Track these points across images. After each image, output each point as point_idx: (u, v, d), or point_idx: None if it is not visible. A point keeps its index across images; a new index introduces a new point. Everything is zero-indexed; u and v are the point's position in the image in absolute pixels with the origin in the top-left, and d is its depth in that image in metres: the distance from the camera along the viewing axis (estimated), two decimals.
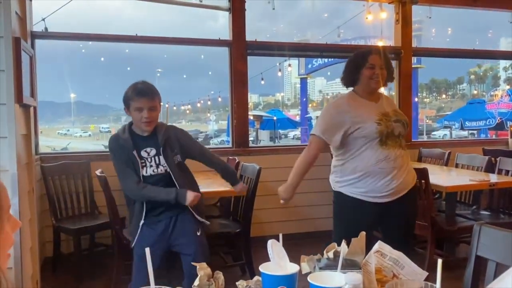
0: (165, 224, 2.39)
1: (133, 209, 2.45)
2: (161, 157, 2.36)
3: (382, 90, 2.56)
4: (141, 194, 2.34)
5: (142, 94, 2.28)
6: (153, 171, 2.36)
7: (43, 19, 3.97)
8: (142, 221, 2.38)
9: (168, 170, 2.35)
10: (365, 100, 2.39)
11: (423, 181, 3.15)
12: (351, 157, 2.35)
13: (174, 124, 2.59)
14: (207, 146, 3.57)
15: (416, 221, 2.67)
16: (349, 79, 2.43)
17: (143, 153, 2.36)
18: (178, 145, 2.42)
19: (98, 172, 3.08)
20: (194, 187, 2.49)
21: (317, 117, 2.96)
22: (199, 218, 2.44)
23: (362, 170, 2.31)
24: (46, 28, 3.99)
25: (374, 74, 2.33)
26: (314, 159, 2.40)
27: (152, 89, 2.34)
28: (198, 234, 2.41)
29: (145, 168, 2.35)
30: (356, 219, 2.36)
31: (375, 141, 2.29)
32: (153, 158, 2.36)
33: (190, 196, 2.30)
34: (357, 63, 2.38)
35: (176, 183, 2.35)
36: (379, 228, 2.49)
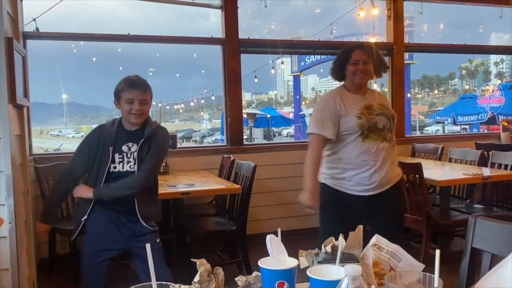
0: (110, 223, 2.27)
1: (78, 204, 2.36)
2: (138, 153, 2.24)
3: (375, 86, 2.58)
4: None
5: (134, 86, 2.21)
6: (130, 167, 2.24)
7: (34, 19, 3.94)
8: (85, 217, 2.26)
9: (135, 169, 2.24)
10: (351, 94, 2.46)
11: (417, 175, 3.17)
12: (336, 150, 2.43)
13: (165, 128, 2.43)
14: (201, 145, 3.53)
15: (404, 214, 2.69)
16: (337, 75, 2.52)
17: (124, 148, 2.25)
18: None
19: None
20: (149, 197, 2.35)
21: (310, 114, 2.99)
22: (145, 224, 2.28)
23: (345, 163, 2.39)
24: (37, 28, 3.95)
25: (358, 70, 2.41)
26: (320, 156, 2.42)
27: (145, 82, 2.28)
28: (157, 240, 2.32)
29: (121, 164, 2.24)
30: (341, 211, 2.40)
31: (357, 134, 2.37)
32: (132, 154, 2.24)
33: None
34: (342, 60, 2.47)
35: None
36: (368, 222, 2.50)
